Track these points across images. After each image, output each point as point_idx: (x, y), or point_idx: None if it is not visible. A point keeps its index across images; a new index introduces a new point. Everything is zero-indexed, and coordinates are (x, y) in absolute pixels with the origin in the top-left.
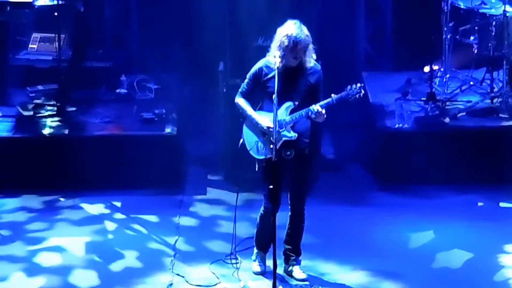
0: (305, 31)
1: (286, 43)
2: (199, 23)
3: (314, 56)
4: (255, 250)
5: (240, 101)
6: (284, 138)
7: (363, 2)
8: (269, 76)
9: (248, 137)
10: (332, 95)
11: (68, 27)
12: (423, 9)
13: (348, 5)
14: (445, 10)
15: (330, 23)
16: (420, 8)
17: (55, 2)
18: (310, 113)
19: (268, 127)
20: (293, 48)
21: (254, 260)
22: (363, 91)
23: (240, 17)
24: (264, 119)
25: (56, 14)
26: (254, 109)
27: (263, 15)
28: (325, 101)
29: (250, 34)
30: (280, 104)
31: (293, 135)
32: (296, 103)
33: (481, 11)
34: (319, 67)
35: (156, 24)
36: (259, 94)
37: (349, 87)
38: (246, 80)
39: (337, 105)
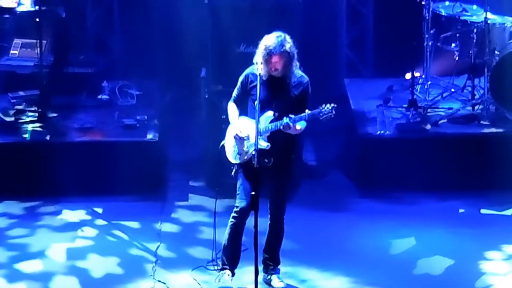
0: (287, 45)
1: (262, 54)
2: (181, 30)
3: (298, 72)
4: (219, 272)
5: (229, 106)
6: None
7: (345, 9)
8: (254, 84)
9: (228, 141)
10: (306, 110)
11: (49, 33)
12: (405, 16)
13: (330, 12)
14: (427, 17)
15: (312, 30)
16: (402, 15)
17: (37, 8)
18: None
19: (236, 135)
20: (268, 59)
21: (219, 280)
22: (334, 112)
23: (222, 23)
24: (238, 126)
25: (37, 20)
26: (246, 114)
27: (245, 21)
28: (299, 116)
29: (232, 40)
30: (262, 112)
31: (266, 144)
32: (276, 114)
33: (462, 18)
34: (305, 79)
35: (138, 30)
36: (246, 100)
37: (323, 105)
38: (236, 86)
39: (309, 121)
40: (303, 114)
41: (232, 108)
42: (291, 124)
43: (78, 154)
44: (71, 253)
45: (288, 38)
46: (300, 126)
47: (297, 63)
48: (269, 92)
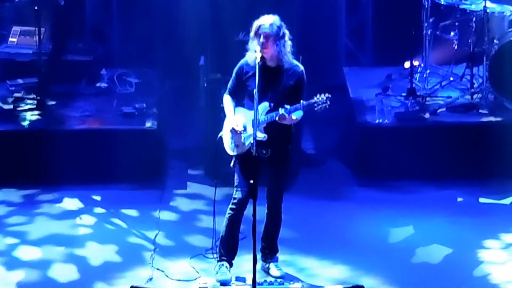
0: (276, 22)
1: (252, 28)
2: (180, 17)
3: (293, 61)
4: (217, 263)
5: (224, 98)
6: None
7: None
8: (249, 74)
9: (225, 133)
10: (302, 101)
11: (48, 20)
12: (404, 4)
13: (330, 0)
14: (426, 6)
15: (311, 19)
16: (401, 3)
17: None
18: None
19: (233, 128)
20: (256, 31)
21: (217, 273)
22: (328, 103)
23: (221, 11)
24: (234, 120)
25: (36, 7)
26: (241, 106)
27: (244, 10)
28: (294, 106)
29: (231, 28)
30: (258, 104)
31: (263, 136)
32: (272, 104)
33: (461, 7)
34: (300, 68)
35: (137, 18)
36: (242, 91)
37: (317, 95)
38: (231, 78)
39: (306, 111)
40: (298, 105)
41: (227, 101)
42: (286, 115)
43: (77, 142)
44: (70, 241)
45: (278, 18)
46: (295, 116)
47: (290, 53)
48: (264, 82)
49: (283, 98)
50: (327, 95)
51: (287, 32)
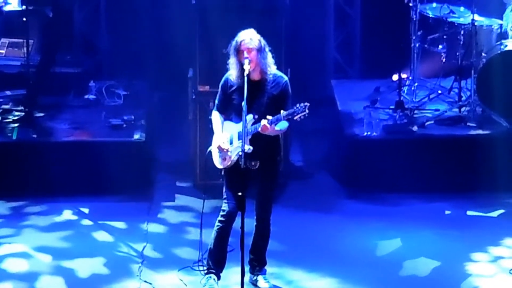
0: (255, 35)
1: (233, 44)
2: (169, 30)
3: (274, 68)
4: (205, 276)
5: (213, 114)
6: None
7: (332, 10)
8: (233, 88)
9: (214, 148)
10: (282, 111)
11: (36, 32)
12: (392, 17)
13: (318, 13)
14: (414, 19)
15: (299, 31)
16: (389, 16)
17: (24, 8)
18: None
19: (219, 146)
20: (238, 47)
21: (205, 285)
22: (307, 111)
23: (210, 24)
24: (220, 137)
25: (24, 19)
26: (230, 120)
27: (233, 22)
28: (275, 117)
29: (219, 41)
30: (242, 117)
31: (247, 148)
32: (256, 116)
33: (449, 20)
34: (284, 79)
35: (126, 30)
36: (229, 105)
37: (297, 105)
38: (218, 94)
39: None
40: (278, 115)
41: (215, 117)
42: (268, 126)
43: (65, 154)
44: (57, 253)
45: (255, 31)
46: (279, 127)
47: (273, 63)
48: (248, 95)
49: (268, 109)
50: (306, 103)
51: (263, 41)
